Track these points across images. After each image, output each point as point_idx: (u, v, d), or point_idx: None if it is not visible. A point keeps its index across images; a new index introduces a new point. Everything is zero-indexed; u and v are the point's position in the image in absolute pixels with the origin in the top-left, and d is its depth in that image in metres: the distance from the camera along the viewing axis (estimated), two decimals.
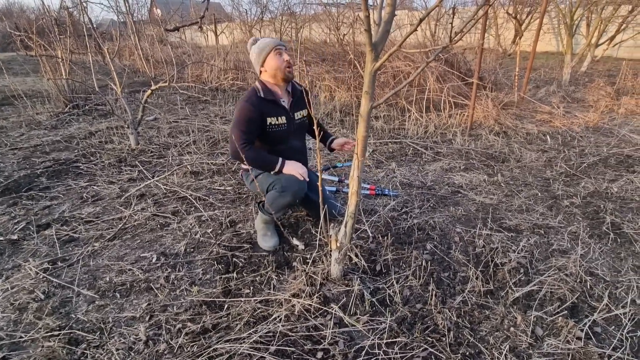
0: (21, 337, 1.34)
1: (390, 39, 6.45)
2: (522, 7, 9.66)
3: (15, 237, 2.01)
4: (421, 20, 0.98)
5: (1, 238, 1.99)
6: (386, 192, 2.48)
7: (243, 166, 1.99)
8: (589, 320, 1.39)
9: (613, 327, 1.38)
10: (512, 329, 1.36)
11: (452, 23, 1.06)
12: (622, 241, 1.94)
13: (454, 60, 5.36)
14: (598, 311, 1.44)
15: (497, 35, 10.86)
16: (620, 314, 1.42)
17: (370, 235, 1.93)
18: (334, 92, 4.94)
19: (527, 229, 2.05)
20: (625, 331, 1.35)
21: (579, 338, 1.30)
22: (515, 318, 1.40)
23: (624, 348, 1.28)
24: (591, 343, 1.29)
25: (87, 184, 2.68)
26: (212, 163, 3.02)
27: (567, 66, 6.63)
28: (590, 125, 3.97)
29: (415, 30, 1.09)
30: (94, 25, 4.14)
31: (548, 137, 3.60)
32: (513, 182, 2.67)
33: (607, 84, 5.85)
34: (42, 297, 1.55)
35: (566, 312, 1.44)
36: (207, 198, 2.43)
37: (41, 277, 1.67)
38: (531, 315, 1.42)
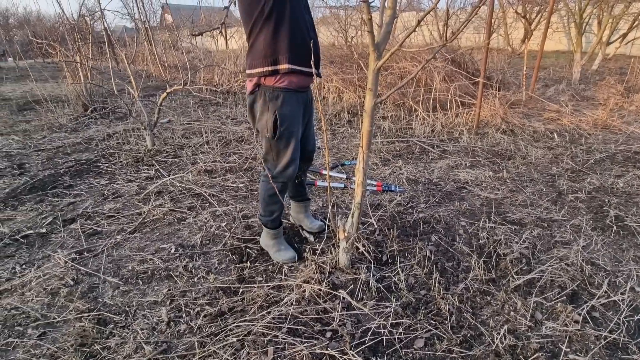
0: (55, 318, 1.47)
1: (397, 40, 6.52)
2: (532, 7, 9.63)
3: (43, 230, 2.16)
4: (419, 22, 1.07)
5: (31, 231, 2.14)
6: (392, 188, 2.56)
7: (254, 71, 1.54)
8: (587, 306, 1.44)
9: (611, 312, 1.44)
10: (512, 313, 1.43)
11: (445, 24, 1.14)
12: (624, 234, 1.98)
13: (461, 60, 5.40)
14: (597, 297, 1.49)
15: (506, 35, 10.82)
16: (619, 300, 1.47)
17: (377, 227, 2.01)
18: (342, 94, 5.03)
19: (530, 222, 2.10)
20: (622, 316, 1.40)
21: (576, 321, 1.36)
22: (516, 303, 1.47)
23: (620, 331, 1.33)
24: (588, 326, 1.35)
25: (107, 182, 2.83)
26: (224, 162, 3.14)
27: (577, 65, 6.60)
28: (599, 123, 3.97)
29: (414, 30, 1.17)
30: (110, 32, 4.33)
31: (555, 134, 3.62)
32: (518, 178, 2.72)
33: (618, 82, 5.81)
34: (72, 283, 1.68)
35: (565, 298, 1.50)
36: (220, 195, 2.55)
37: (70, 265, 1.80)
38: (531, 301, 1.48)
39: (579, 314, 1.39)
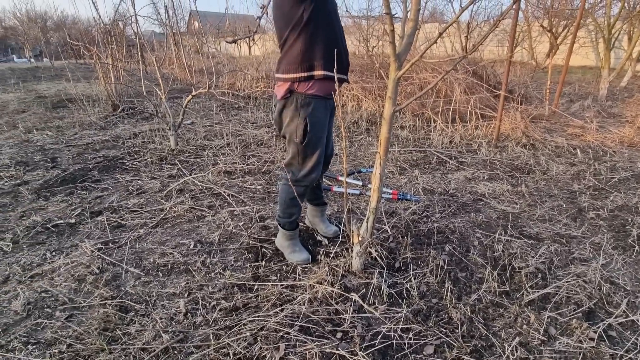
0: (81, 303, 1.55)
1: (418, 51, 6.54)
2: (558, 20, 9.48)
3: (72, 221, 2.28)
4: (440, 34, 1.11)
5: (61, 221, 2.26)
6: (408, 197, 2.57)
7: (288, 76, 1.56)
8: (604, 324, 1.42)
9: (629, 332, 1.41)
10: (525, 326, 1.42)
11: (467, 36, 1.18)
12: None
13: (482, 72, 5.38)
14: (615, 316, 1.46)
15: (530, 48, 10.66)
16: (638, 319, 1.44)
17: (391, 234, 2.03)
18: (360, 102, 5.08)
19: (548, 238, 2.07)
20: None
21: (591, 339, 1.34)
22: (529, 317, 1.46)
23: (637, 351, 1.30)
24: (604, 344, 1.33)
25: (132, 178, 2.95)
26: (244, 164, 3.22)
27: (604, 81, 6.44)
28: (625, 140, 3.87)
29: (435, 42, 1.21)
30: (141, 36, 4.54)
31: (578, 150, 3.55)
32: (537, 193, 2.68)
33: None
34: (97, 271, 1.77)
35: (581, 315, 1.47)
36: (239, 195, 2.62)
37: (96, 255, 1.89)
38: (545, 315, 1.46)
39: (595, 332, 1.37)
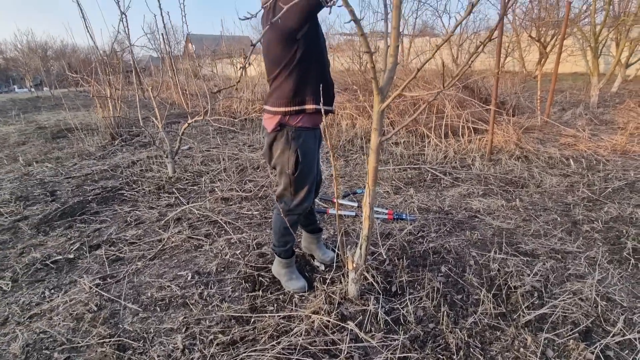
0: (79, 343, 1.56)
1: (410, 68, 6.67)
2: (546, 30, 9.67)
3: (71, 256, 2.29)
4: (427, 61, 1.15)
5: (60, 257, 2.28)
6: (403, 217, 2.59)
7: (279, 109, 1.59)
8: (601, 344, 1.42)
9: (627, 351, 1.40)
10: (522, 349, 1.42)
11: (455, 61, 1.22)
12: None
13: (473, 86, 5.47)
14: (612, 335, 1.46)
15: (520, 58, 10.85)
16: (635, 338, 1.44)
17: (386, 258, 2.05)
18: (355, 120, 5.16)
19: (543, 254, 2.08)
20: (638, 356, 1.37)
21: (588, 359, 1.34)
22: (526, 339, 1.46)
23: None
24: None
25: (130, 209, 2.98)
26: (240, 190, 3.26)
27: (594, 88, 6.54)
28: (618, 148, 3.91)
29: (420, 69, 1.26)
30: (137, 65, 4.65)
31: (571, 161, 3.59)
32: (532, 207, 2.70)
33: (639, 104, 5.71)
34: (95, 309, 1.78)
35: (578, 335, 1.47)
36: (235, 222, 2.64)
37: (94, 291, 1.91)
38: (542, 337, 1.46)
39: (592, 352, 1.37)
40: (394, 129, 4.83)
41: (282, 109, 1.58)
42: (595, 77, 6.60)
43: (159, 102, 8.47)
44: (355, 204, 2.87)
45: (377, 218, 2.60)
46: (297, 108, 1.58)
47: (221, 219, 2.67)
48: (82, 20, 4.50)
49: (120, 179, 3.70)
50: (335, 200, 2.96)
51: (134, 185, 3.50)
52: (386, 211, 2.67)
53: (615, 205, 2.64)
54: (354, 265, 1.64)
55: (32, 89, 18.44)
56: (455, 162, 3.75)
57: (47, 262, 2.23)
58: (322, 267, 2.06)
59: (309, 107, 1.58)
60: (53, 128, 6.54)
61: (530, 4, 9.69)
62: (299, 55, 1.50)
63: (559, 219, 2.49)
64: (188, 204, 2.98)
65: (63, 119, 7.14)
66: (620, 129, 4.76)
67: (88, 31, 4.67)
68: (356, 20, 1.20)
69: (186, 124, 3.54)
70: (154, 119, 3.79)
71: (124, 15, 3.30)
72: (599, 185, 3.02)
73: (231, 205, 2.97)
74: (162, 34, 4.79)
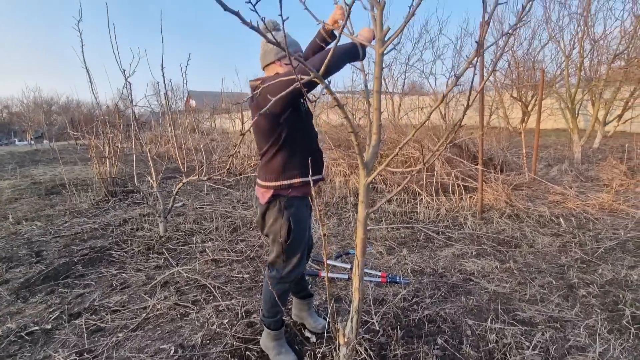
0: None
1: (400, 124, 6.97)
2: (526, 90, 10.35)
3: (49, 326, 2.17)
4: (417, 129, 1.21)
5: (37, 327, 2.16)
6: (397, 280, 2.54)
7: (270, 184, 1.64)
8: None
9: None
10: None
11: (444, 120, 1.29)
12: None
13: (461, 143, 5.70)
14: None
15: (504, 115, 11.45)
16: None
17: (380, 328, 1.97)
18: (348, 177, 5.26)
19: (541, 322, 2.02)
20: None
21: None
22: None
23: None
24: None
25: (117, 271, 2.90)
26: (232, 250, 3.21)
27: (576, 145, 6.83)
28: (606, 206, 3.98)
29: (413, 135, 1.32)
30: (137, 119, 4.82)
31: (562, 219, 3.63)
32: (526, 269, 2.67)
33: (620, 161, 5.93)
34: None
35: None
36: (225, 287, 2.56)
37: None
38: None
39: None
40: (386, 186, 4.92)
41: (272, 184, 1.64)
42: (576, 135, 6.93)
43: (157, 156, 8.66)
44: (348, 266, 2.82)
45: (371, 281, 2.54)
46: (286, 183, 1.64)
47: (210, 283, 2.59)
48: (89, 84, 4.75)
49: (110, 238, 3.63)
50: (328, 262, 2.92)
51: (123, 245, 3.44)
52: (379, 274, 2.62)
53: (609, 267, 2.62)
54: (346, 339, 1.57)
55: (32, 142, 18.81)
56: (448, 221, 3.77)
57: (22, 333, 2.11)
58: (313, 339, 1.96)
59: (297, 181, 1.65)
60: (48, 183, 6.56)
61: (508, 68, 10.47)
62: (284, 134, 1.59)
63: (554, 282, 2.45)
64: (177, 266, 2.91)
65: (59, 174, 7.18)
66: (605, 185, 4.90)
67: (93, 93, 4.90)
68: (340, 107, 1.30)
69: (180, 184, 3.58)
70: (149, 177, 3.83)
71: (128, 83, 3.50)
72: (591, 245, 3.03)
73: (221, 267, 2.90)
74: (165, 93, 5.04)
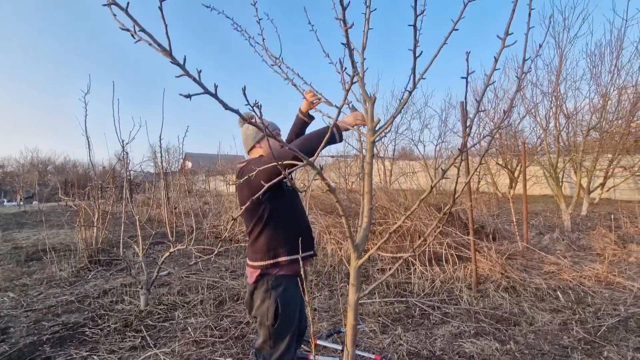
0: None
1: (391, 190, 7.09)
2: (511, 157, 10.82)
3: None
4: (410, 213, 1.21)
5: None
6: None
7: (256, 264, 1.64)
8: None
9: None
10: None
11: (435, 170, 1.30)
12: None
13: (452, 211, 5.76)
14: None
15: (493, 182, 11.79)
16: None
17: None
18: (341, 244, 5.18)
19: None
20: None
21: None
22: None
23: None
24: None
25: (88, 353, 2.65)
26: (215, 327, 3.00)
27: (564, 213, 6.94)
28: (601, 278, 3.91)
29: (407, 217, 1.32)
30: (132, 180, 4.82)
31: (559, 292, 3.53)
32: (528, 351, 2.51)
33: (610, 230, 5.99)
34: None
35: None
36: None
37: None
38: None
39: None
40: (378, 255, 4.83)
41: (259, 263, 1.62)
42: (563, 203, 7.08)
43: (147, 219, 8.51)
44: (340, 347, 2.62)
45: None
46: (272, 262, 1.62)
47: None
48: (87, 150, 4.85)
49: (86, 313, 3.40)
50: (318, 342, 2.72)
51: (99, 321, 3.20)
52: (373, 357, 2.43)
53: (614, 349, 2.49)
54: None
55: (22, 203, 18.53)
56: (443, 294, 3.64)
57: None
58: None
59: (284, 259, 1.62)
60: (30, 248, 6.32)
61: (492, 138, 11.08)
62: (267, 213, 1.62)
63: None
64: (155, 347, 2.69)
65: (42, 239, 6.96)
66: (598, 255, 4.87)
67: (90, 158, 4.99)
68: (332, 190, 1.33)
69: (167, 253, 3.47)
70: (135, 246, 3.73)
71: (125, 153, 3.59)
72: (592, 322, 2.91)
73: (203, 348, 2.68)
74: (161, 157, 5.14)
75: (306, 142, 1.51)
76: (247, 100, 0.88)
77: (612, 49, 6.89)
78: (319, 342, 2.73)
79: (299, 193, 2.01)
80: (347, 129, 1.65)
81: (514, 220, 5.98)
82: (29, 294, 3.98)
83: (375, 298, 3.54)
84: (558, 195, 7.26)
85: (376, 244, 4.61)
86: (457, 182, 1.24)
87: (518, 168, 10.99)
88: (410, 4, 1.01)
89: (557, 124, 7.39)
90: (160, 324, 3.13)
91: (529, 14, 1.06)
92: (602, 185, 8.83)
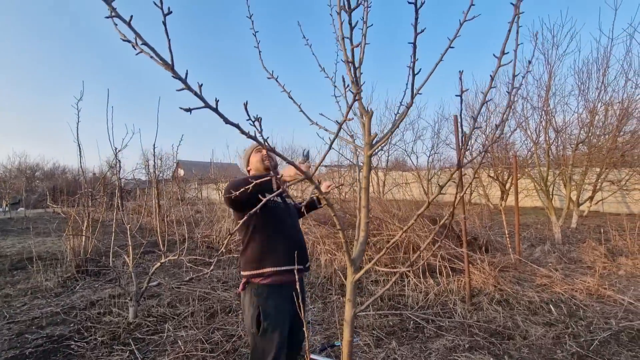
0: None
1: (385, 200, 7.11)
2: (502, 170, 10.97)
3: None
4: (407, 228, 1.21)
5: None
6: None
7: (244, 273, 1.73)
8: None
9: None
10: None
11: (428, 197, 1.29)
12: None
13: (445, 223, 5.78)
14: None
15: (485, 194, 11.91)
16: None
17: None
18: (334, 255, 5.15)
19: None
20: None
21: None
22: None
23: None
24: None
25: None
26: (206, 340, 2.93)
27: (555, 226, 7.02)
28: (593, 291, 3.94)
29: (404, 231, 1.31)
30: (123, 187, 4.75)
31: (551, 306, 3.54)
32: None
33: (599, 242, 6.07)
34: None
35: None
36: None
37: None
38: None
39: None
40: (372, 269, 4.81)
41: (246, 273, 1.71)
42: (553, 216, 7.17)
43: (138, 228, 8.36)
44: None
45: None
46: (256, 272, 1.69)
47: None
48: (78, 157, 4.78)
49: (72, 325, 3.30)
50: (311, 357, 2.68)
51: (85, 334, 3.11)
52: None
53: None
54: None
55: (7, 209, 18.08)
56: (437, 307, 3.62)
57: None
58: None
59: (266, 270, 1.68)
60: (15, 257, 6.14)
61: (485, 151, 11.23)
62: (252, 226, 1.71)
63: None
64: None
65: (28, 247, 6.78)
66: (589, 268, 4.92)
67: (81, 165, 4.91)
68: (330, 205, 1.32)
69: (158, 264, 3.41)
70: (125, 256, 3.65)
71: (118, 160, 3.54)
72: (585, 336, 2.91)
73: None
74: (154, 165, 5.08)
75: (244, 183, 1.48)
76: (249, 115, 0.88)
77: (599, 66, 7.10)
78: (312, 356, 2.68)
79: (294, 209, 2.05)
80: (286, 182, 1.64)
81: (506, 232, 6.03)
82: (12, 304, 3.85)
83: (369, 310, 3.51)
84: (549, 208, 7.35)
85: (370, 254, 4.60)
86: (456, 198, 1.24)
87: (509, 180, 11.16)
88: (406, 20, 1.02)
89: (547, 138, 7.53)
90: (149, 337, 3.05)
91: (517, 31, 1.08)
92: (591, 198, 8.99)
